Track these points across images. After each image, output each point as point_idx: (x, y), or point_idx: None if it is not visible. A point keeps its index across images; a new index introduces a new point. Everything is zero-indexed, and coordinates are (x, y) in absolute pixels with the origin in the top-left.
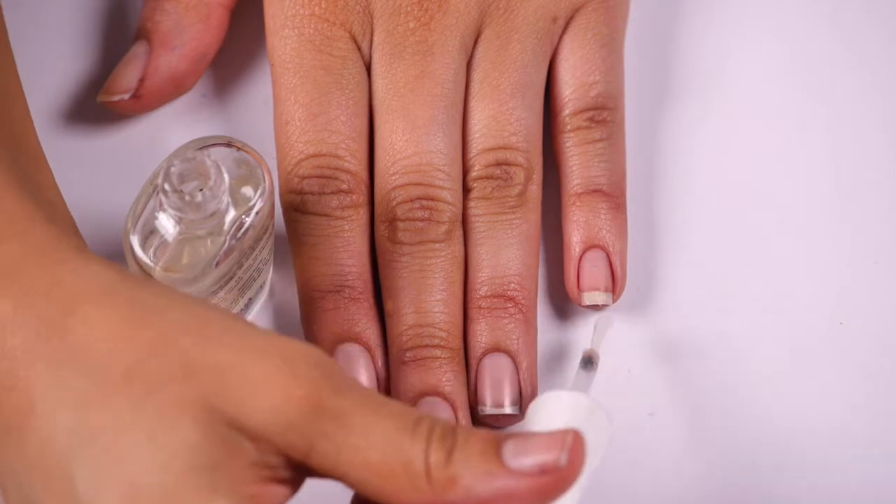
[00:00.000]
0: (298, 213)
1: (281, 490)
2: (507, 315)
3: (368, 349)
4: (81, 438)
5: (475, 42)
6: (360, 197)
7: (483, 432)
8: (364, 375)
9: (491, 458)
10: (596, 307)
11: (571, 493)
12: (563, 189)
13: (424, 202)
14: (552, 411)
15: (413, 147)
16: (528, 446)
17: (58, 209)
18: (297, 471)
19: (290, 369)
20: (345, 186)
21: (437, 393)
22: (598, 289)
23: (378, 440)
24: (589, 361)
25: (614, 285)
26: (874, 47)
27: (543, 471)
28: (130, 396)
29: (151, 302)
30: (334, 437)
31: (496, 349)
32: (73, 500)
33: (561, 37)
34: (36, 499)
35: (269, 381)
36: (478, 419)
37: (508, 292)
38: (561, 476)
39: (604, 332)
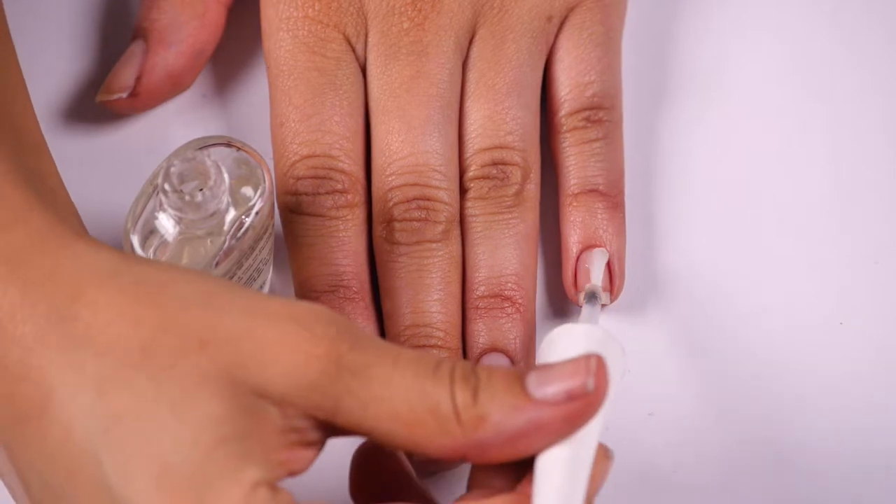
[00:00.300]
0: (294, 214)
1: (308, 453)
2: (505, 315)
3: None
4: (105, 422)
5: (470, 42)
6: (356, 197)
7: (503, 368)
8: None
9: (517, 392)
10: None
11: (596, 421)
12: (560, 189)
13: (421, 202)
14: (567, 343)
15: (409, 147)
16: (552, 375)
17: (59, 196)
18: (324, 431)
19: (306, 329)
20: (339, 186)
21: None
22: None
23: (401, 389)
24: (592, 296)
25: (612, 284)
26: (874, 47)
27: (571, 397)
28: (149, 375)
29: (156, 280)
30: (358, 392)
31: (494, 349)
32: (102, 487)
33: (556, 36)
34: (60, 488)
35: (286, 344)
36: None
37: (506, 292)
38: (588, 401)
39: (601, 265)
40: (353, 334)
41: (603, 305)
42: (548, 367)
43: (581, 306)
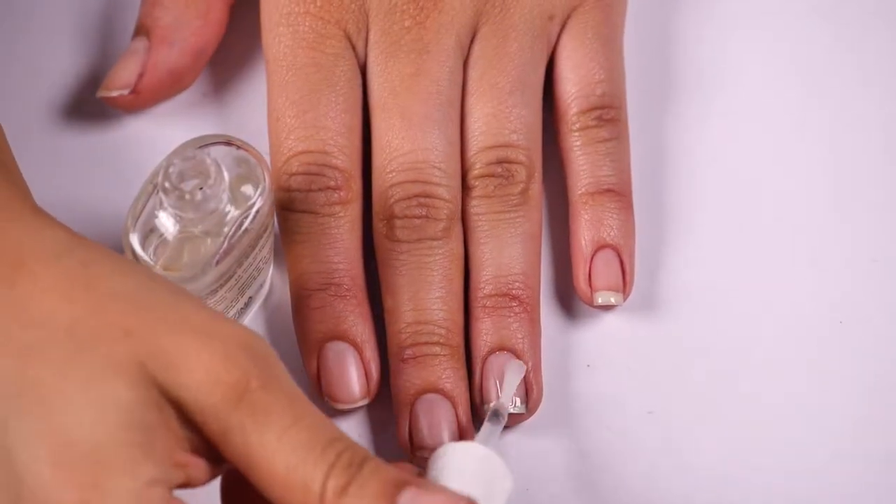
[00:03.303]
0: (287, 210)
1: (207, 464)
2: (513, 314)
3: (356, 346)
4: (18, 387)
5: (472, 40)
6: (349, 193)
7: (391, 472)
8: (353, 372)
9: (384, 502)
10: (608, 307)
11: None
12: (571, 188)
13: (422, 199)
14: (459, 465)
15: (410, 144)
16: (424, 502)
17: (11, 171)
18: (216, 451)
19: (225, 352)
20: (332, 183)
21: (437, 390)
22: (611, 289)
23: (287, 448)
24: (496, 414)
25: (624, 284)
26: (874, 45)
27: None
28: (68, 353)
29: (99, 266)
30: (249, 432)
31: (502, 348)
32: (2, 447)
33: (560, 35)
34: None
35: (203, 359)
36: (479, 417)
37: (513, 291)
38: None
39: (515, 381)
40: (270, 373)
41: (615, 305)
42: (425, 490)
43: (594, 306)
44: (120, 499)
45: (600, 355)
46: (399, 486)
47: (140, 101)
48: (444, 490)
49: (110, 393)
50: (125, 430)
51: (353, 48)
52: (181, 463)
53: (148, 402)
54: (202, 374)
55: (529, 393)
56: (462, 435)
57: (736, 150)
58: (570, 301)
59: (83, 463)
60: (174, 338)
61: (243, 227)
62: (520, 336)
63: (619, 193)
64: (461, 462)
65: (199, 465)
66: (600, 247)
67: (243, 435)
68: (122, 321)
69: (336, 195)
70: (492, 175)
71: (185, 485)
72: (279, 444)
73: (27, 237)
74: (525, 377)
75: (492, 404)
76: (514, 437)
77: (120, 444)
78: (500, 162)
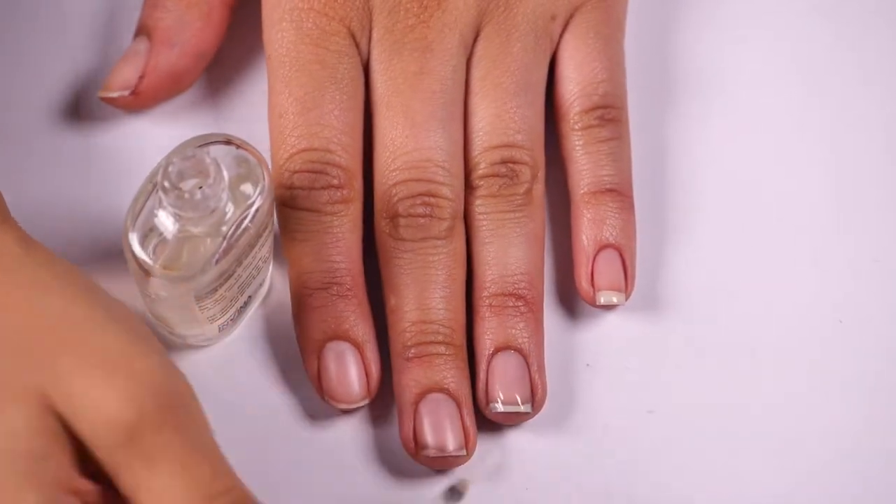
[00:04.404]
0: (288, 208)
1: (107, 491)
2: (518, 314)
3: (357, 346)
4: None
5: (475, 39)
6: (351, 192)
7: None
8: (354, 373)
9: None
10: (610, 306)
11: None
12: (572, 188)
13: (426, 198)
14: None
15: (413, 143)
16: None
17: None
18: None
19: (127, 391)
20: (335, 182)
21: (442, 389)
22: (614, 288)
23: (169, 497)
24: (452, 491)
25: (626, 285)
26: (876, 43)
27: None
28: None
29: (39, 286)
30: (137, 474)
31: (507, 347)
32: None
33: (561, 35)
34: None
35: (107, 394)
36: (482, 417)
37: (519, 291)
38: None
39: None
40: (169, 417)
41: (617, 305)
42: None
43: (596, 306)
44: None
45: (600, 355)
46: None
47: (140, 102)
48: None
49: (4, 420)
50: (14, 458)
51: (357, 46)
52: (77, 490)
53: (42, 431)
54: (99, 412)
55: (535, 392)
56: (465, 434)
57: (736, 150)
58: (569, 300)
59: None
60: (81, 370)
61: (243, 227)
62: (525, 336)
63: (620, 193)
64: None
65: (96, 493)
66: (602, 246)
67: (132, 475)
68: (36, 347)
69: (339, 194)
70: (497, 175)
71: None
72: (162, 492)
73: None
74: (530, 377)
75: (450, 484)
76: (515, 436)
77: (7, 473)
78: (504, 162)
